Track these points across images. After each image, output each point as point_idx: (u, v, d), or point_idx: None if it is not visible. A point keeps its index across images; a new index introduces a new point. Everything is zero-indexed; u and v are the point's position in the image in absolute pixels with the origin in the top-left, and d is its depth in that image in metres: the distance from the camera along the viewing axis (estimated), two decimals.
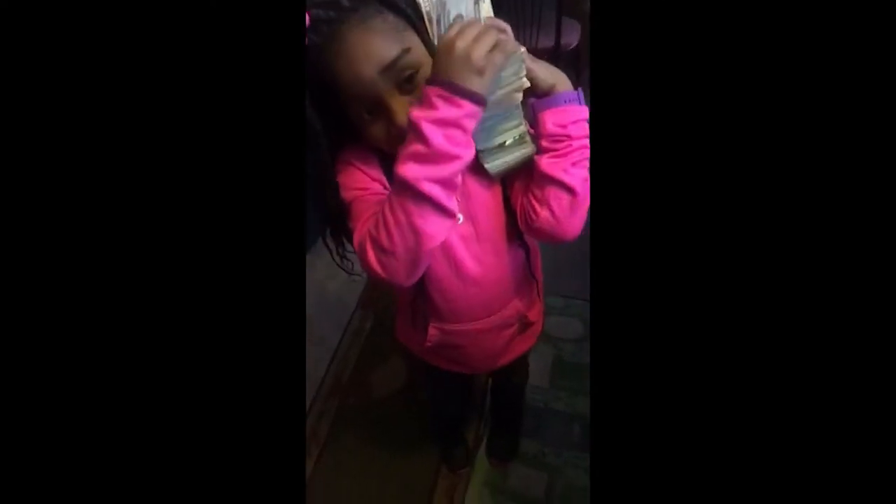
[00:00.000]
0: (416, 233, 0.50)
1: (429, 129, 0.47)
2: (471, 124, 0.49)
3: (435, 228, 0.51)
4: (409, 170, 0.48)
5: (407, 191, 0.49)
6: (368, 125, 0.56)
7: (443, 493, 1.23)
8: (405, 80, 0.53)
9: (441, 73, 0.48)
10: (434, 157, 0.48)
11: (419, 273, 0.55)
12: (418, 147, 0.48)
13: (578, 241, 0.61)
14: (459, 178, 0.51)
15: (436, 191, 0.49)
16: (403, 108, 0.53)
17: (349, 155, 0.62)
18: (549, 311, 1.48)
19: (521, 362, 1.04)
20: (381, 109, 0.54)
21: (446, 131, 0.48)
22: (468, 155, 0.50)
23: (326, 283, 1.62)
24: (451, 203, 0.51)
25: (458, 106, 0.47)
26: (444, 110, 0.47)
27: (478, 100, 0.48)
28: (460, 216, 0.64)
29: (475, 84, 0.48)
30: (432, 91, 0.48)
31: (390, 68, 0.52)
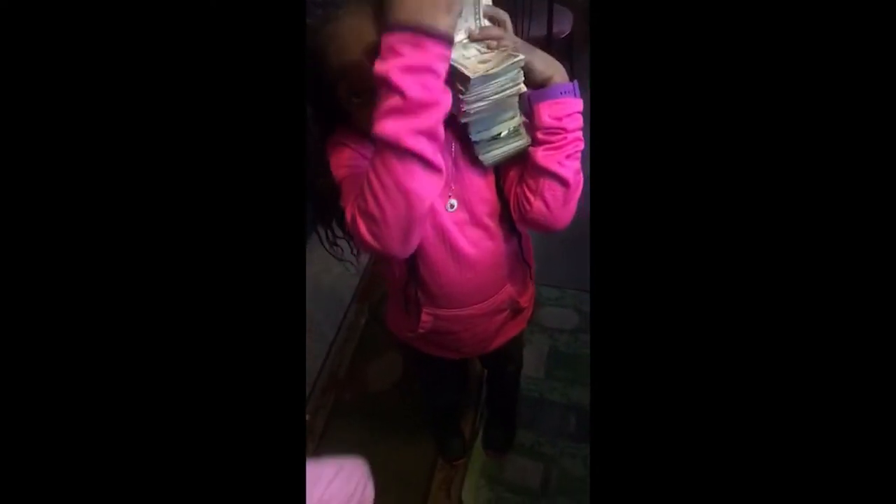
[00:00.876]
0: (405, 193, 0.46)
1: (400, 79, 0.43)
2: (443, 67, 0.45)
3: (423, 187, 0.47)
4: (388, 126, 0.45)
5: (389, 149, 0.45)
6: (357, 109, 0.56)
7: (440, 485, 1.24)
8: None
9: (402, 17, 0.44)
10: (412, 107, 0.44)
11: (413, 242, 0.52)
12: (393, 100, 0.44)
13: (569, 227, 0.62)
14: (442, 130, 0.46)
15: (421, 144, 0.45)
16: None
17: (341, 136, 0.61)
18: (544, 301, 1.49)
19: (515, 349, 1.04)
20: (370, 94, 0.54)
21: (419, 78, 0.44)
22: (446, 101, 0.46)
23: (321, 276, 1.61)
24: (438, 158, 0.47)
25: (425, 49, 0.43)
26: (412, 56, 0.43)
27: (445, 41, 0.44)
28: (454, 202, 0.64)
29: (442, 23, 0.43)
30: (394, 38, 0.44)
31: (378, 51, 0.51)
